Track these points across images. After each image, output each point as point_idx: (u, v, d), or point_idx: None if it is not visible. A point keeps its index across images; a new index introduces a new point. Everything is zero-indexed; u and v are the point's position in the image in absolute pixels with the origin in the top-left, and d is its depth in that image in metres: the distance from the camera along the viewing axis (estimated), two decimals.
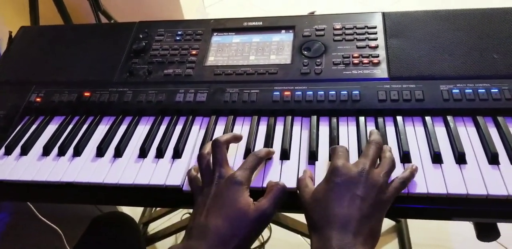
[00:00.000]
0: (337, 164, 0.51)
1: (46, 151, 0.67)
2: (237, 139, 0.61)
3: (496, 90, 0.63)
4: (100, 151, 0.66)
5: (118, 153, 0.65)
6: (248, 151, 0.62)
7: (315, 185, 0.53)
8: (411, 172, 0.54)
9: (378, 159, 0.55)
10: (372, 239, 0.48)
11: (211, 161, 0.56)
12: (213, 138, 0.57)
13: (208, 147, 0.58)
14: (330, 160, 0.58)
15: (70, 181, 0.62)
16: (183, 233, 1.31)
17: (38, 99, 0.75)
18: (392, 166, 0.53)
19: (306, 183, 0.54)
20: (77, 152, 0.67)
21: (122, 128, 0.70)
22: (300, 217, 1.15)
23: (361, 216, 0.47)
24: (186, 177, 0.60)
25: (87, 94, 0.74)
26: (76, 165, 0.65)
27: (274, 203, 0.52)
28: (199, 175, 0.58)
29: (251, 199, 0.52)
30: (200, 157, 0.57)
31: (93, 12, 1.47)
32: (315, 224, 0.49)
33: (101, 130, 0.71)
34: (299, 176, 0.57)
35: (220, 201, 0.51)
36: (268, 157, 0.60)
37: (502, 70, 0.65)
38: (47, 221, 0.81)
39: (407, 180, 0.53)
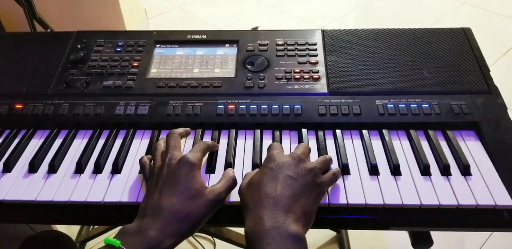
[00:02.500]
0: (272, 152, 0.55)
1: None
2: (188, 132, 0.63)
3: (427, 105, 0.67)
4: (33, 167, 0.62)
5: (53, 168, 0.62)
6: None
7: None
8: (338, 171, 0.57)
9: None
10: (305, 218, 0.49)
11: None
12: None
13: (162, 143, 0.59)
14: None
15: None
16: None
17: None
18: (326, 160, 0.57)
19: (247, 175, 0.56)
20: (7, 168, 0.62)
21: (57, 142, 0.66)
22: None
23: (292, 194, 0.49)
24: (139, 163, 0.60)
25: (19, 106, 0.70)
26: (6, 181, 0.60)
27: (226, 189, 0.54)
28: (150, 162, 0.59)
29: (204, 182, 0.53)
30: (155, 146, 0.59)
31: (27, 20, 1.39)
32: (248, 205, 0.50)
33: (34, 144, 0.67)
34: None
35: (173, 180, 0.51)
36: (214, 148, 0.62)
37: (432, 86, 0.70)
38: None
39: (338, 174, 0.56)
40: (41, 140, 0.67)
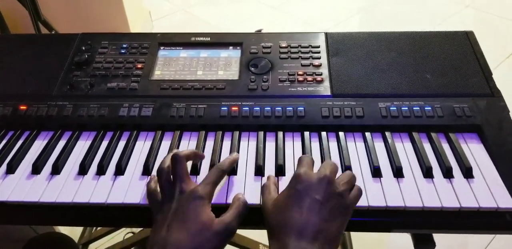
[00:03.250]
0: (299, 171, 0.52)
1: None
2: (197, 156, 0.60)
3: (429, 108, 0.67)
4: (36, 168, 0.62)
5: (56, 170, 0.62)
6: (194, 166, 0.62)
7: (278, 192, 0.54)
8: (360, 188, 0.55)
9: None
10: (330, 244, 0.48)
11: (171, 175, 0.55)
12: (173, 152, 0.56)
13: (167, 161, 0.56)
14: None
15: (2, 200, 0.58)
16: None
17: None
18: (352, 178, 0.53)
19: (269, 190, 0.55)
20: (11, 169, 0.62)
21: (61, 144, 0.67)
22: (249, 234, 1.15)
23: (319, 220, 0.47)
24: (145, 189, 0.58)
25: (23, 107, 0.70)
26: (9, 182, 0.61)
27: (237, 217, 0.52)
28: (158, 188, 0.56)
29: (213, 214, 0.51)
30: (160, 172, 0.55)
31: (32, 22, 1.40)
32: (273, 231, 0.49)
33: (38, 145, 0.67)
34: (264, 182, 0.57)
35: (181, 216, 0.50)
36: (232, 166, 0.59)
37: (434, 89, 0.70)
38: None
39: (361, 191, 0.54)
40: (45, 142, 0.67)
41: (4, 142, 0.68)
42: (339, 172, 0.55)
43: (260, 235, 1.15)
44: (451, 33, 0.78)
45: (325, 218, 0.48)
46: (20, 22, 1.79)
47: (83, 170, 0.62)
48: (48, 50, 0.80)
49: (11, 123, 0.69)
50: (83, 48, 0.80)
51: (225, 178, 0.60)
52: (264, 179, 0.60)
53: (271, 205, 0.52)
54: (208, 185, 0.53)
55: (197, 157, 0.60)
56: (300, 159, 0.55)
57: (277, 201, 0.52)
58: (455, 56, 0.74)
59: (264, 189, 0.56)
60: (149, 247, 0.49)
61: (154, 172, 0.61)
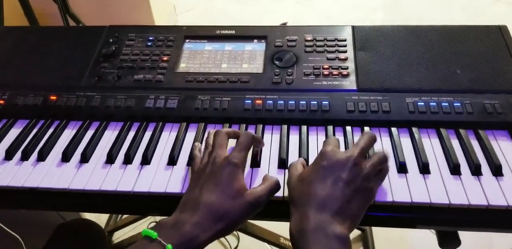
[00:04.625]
0: (326, 149, 0.53)
1: (9, 155, 0.65)
2: (236, 134, 0.60)
3: (459, 104, 0.66)
4: (66, 156, 0.64)
5: (85, 158, 0.63)
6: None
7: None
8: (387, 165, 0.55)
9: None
10: (351, 220, 0.48)
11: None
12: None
13: (211, 136, 0.59)
14: None
15: (33, 186, 0.60)
16: None
17: (1, 102, 0.72)
18: (382, 160, 0.53)
19: (296, 167, 0.56)
20: (42, 157, 0.64)
21: (89, 133, 0.68)
22: (268, 226, 1.15)
23: (342, 198, 0.48)
24: (190, 154, 0.60)
25: (53, 97, 0.72)
26: (40, 170, 0.63)
27: (268, 193, 0.52)
28: (200, 155, 0.58)
29: (245, 183, 0.52)
30: (206, 140, 0.59)
31: (61, 15, 1.43)
32: (296, 202, 0.50)
33: (67, 134, 0.69)
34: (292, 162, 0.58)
35: (215, 179, 0.51)
36: (259, 144, 0.61)
37: (464, 85, 0.69)
38: (6, 228, 0.77)
39: (386, 171, 0.55)
40: (74, 131, 0.69)
41: (35, 130, 0.70)
42: None
43: (280, 228, 1.15)
44: (483, 27, 0.76)
45: (347, 196, 0.49)
46: (49, 15, 1.83)
47: (110, 159, 0.63)
48: (76, 42, 0.81)
49: (42, 112, 0.71)
50: (111, 40, 0.81)
51: (249, 170, 0.60)
52: (286, 172, 0.60)
53: (296, 178, 0.53)
54: (242, 152, 0.54)
55: (236, 135, 0.60)
56: (326, 140, 0.56)
57: (302, 175, 0.53)
58: (487, 51, 0.72)
59: (291, 166, 0.56)
60: (182, 204, 0.51)
61: (179, 163, 0.62)
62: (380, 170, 0.53)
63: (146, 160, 0.63)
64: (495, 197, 0.55)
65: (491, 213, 0.55)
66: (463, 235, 0.60)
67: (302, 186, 0.51)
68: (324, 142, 0.56)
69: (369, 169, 0.51)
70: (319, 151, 0.54)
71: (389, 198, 0.55)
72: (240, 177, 0.52)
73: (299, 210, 0.49)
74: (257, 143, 0.59)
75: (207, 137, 0.59)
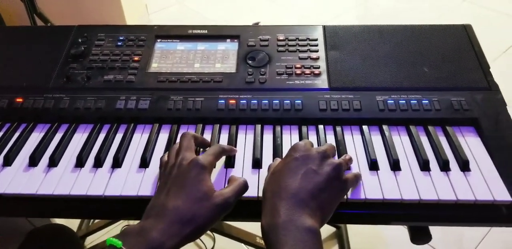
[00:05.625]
0: (299, 142, 0.54)
1: None
2: (205, 143, 0.61)
3: (427, 101, 0.68)
4: (33, 161, 0.62)
5: (53, 162, 0.62)
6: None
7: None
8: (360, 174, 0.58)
9: None
10: (322, 213, 0.49)
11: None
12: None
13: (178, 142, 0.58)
14: None
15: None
16: None
17: None
18: (347, 161, 0.57)
19: (270, 166, 0.56)
20: (8, 162, 0.62)
21: (58, 136, 0.66)
22: (243, 226, 1.15)
23: (312, 189, 0.49)
24: (160, 162, 0.59)
25: (19, 100, 0.70)
26: (6, 175, 0.61)
27: (236, 194, 0.51)
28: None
29: (213, 185, 0.51)
30: (172, 146, 0.58)
31: (28, 14, 1.39)
32: (267, 194, 0.50)
33: (35, 138, 0.67)
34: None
35: (181, 182, 0.50)
36: (230, 154, 0.61)
37: (432, 82, 0.70)
38: None
39: (360, 177, 0.57)
40: (42, 134, 0.67)
41: (0, 134, 0.67)
42: None
43: (257, 228, 1.15)
44: (449, 27, 0.78)
45: (319, 187, 0.49)
46: (15, 15, 1.77)
47: (80, 162, 0.62)
48: (44, 43, 0.79)
49: (8, 115, 0.69)
50: (80, 40, 0.79)
51: (223, 171, 0.60)
52: (262, 171, 0.60)
53: (270, 173, 0.54)
54: (210, 156, 0.54)
55: (203, 144, 0.62)
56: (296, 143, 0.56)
57: (275, 168, 0.53)
58: (453, 50, 0.74)
59: (270, 167, 0.57)
60: (148, 210, 0.50)
61: (151, 165, 0.62)
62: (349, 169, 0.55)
63: (117, 163, 0.61)
64: (463, 192, 0.56)
65: (460, 207, 0.56)
66: (435, 229, 0.62)
67: (274, 179, 0.51)
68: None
69: (340, 161, 0.53)
70: (293, 144, 0.55)
71: (362, 196, 0.56)
72: (207, 179, 0.51)
73: (270, 203, 0.49)
74: (228, 152, 0.60)
75: (176, 143, 0.58)
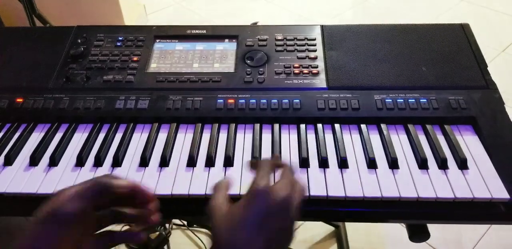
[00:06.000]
0: (259, 188, 0.44)
1: None
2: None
3: (425, 100, 0.68)
4: (34, 160, 0.62)
5: (53, 162, 0.62)
6: (191, 158, 0.62)
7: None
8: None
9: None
10: None
11: None
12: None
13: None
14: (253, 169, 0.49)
15: (0, 191, 0.58)
16: (123, 244, 1.26)
17: None
18: (302, 190, 0.48)
19: (222, 193, 0.47)
20: (8, 161, 0.63)
21: (58, 136, 0.67)
22: None
23: (273, 246, 0.42)
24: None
25: (19, 100, 0.70)
26: (7, 174, 0.61)
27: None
28: None
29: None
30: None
31: (27, 16, 1.39)
32: (219, 247, 0.43)
33: (35, 138, 0.67)
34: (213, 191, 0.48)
35: None
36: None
37: (430, 81, 0.71)
38: None
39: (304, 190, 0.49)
40: (42, 134, 0.67)
41: (1, 134, 0.68)
42: (335, 165, 0.54)
43: None
44: (446, 26, 0.79)
45: (279, 243, 0.43)
46: (14, 16, 1.78)
47: (80, 162, 0.62)
48: (43, 43, 0.79)
49: (8, 116, 0.69)
50: (79, 41, 0.79)
51: (222, 169, 0.61)
52: None
53: (222, 219, 0.44)
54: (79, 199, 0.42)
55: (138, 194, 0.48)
56: (259, 166, 0.47)
57: (231, 215, 0.44)
58: (450, 49, 0.75)
59: (216, 189, 0.48)
60: None
61: (151, 164, 0.62)
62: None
63: (117, 162, 0.62)
64: (461, 190, 0.57)
65: (458, 205, 0.57)
66: (433, 227, 0.62)
67: (231, 232, 0.43)
68: (257, 169, 0.47)
69: (297, 206, 0.45)
70: (255, 187, 0.44)
71: (360, 194, 0.57)
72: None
73: None
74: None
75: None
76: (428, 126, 0.66)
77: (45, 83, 0.73)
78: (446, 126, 0.66)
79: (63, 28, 0.83)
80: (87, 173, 0.61)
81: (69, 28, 0.82)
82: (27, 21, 1.41)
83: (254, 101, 0.69)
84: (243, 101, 0.69)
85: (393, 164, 0.61)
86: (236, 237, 0.42)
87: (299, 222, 1.30)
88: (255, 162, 0.49)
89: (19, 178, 0.60)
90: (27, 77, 0.74)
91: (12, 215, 0.76)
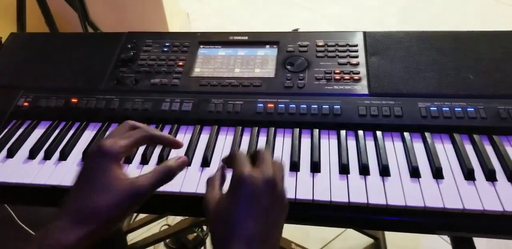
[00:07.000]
0: (242, 172, 0.44)
1: (32, 155, 0.67)
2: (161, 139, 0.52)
3: (472, 109, 0.66)
4: (85, 156, 0.66)
5: None
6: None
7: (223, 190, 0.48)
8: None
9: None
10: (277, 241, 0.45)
11: None
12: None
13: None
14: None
15: (55, 184, 0.62)
16: (161, 244, 1.29)
17: (25, 104, 0.75)
18: (282, 169, 0.49)
19: (213, 186, 0.49)
20: (63, 156, 0.67)
21: None
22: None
23: (266, 228, 0.44)
24: None
25: (74, 100, 0.74)
26: (62, 169, 0.65)
27: (152, 182, 0.45)
28: None
29: (122, 174, 0.45)
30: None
31: (80, 22, 1.47)
32: (218, 240, 0.44)
33: (87, 135, 0.71)
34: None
35: (82, 175, 0.45)
36: (164, 143, 0.55)
37: (477, 90, 0.68)
38: (27, 228, 0.78)
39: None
40: (94, 132, 0.71)
41: (57, 131, 0.72)
42: (377, 173, 0.53)
43: (291, 234, 1.15)
44: (496, 33, 0.76)
45: (271, 224, 0.44)
46: (67, 22, 1.88)
47: (128, 158, 0.65)
48: (96, 48, 0.84)
49: (63, 114, 0.74)
50: (129, 46, 0.83)
51: None
52: (299, 174, 0.61)
53: (214, 210, 0.46)
54: (121, 140, 0.46)
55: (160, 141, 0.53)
56: (235, 158, 0.48)
57: (221, 205, 0.45)
58: (499, 56, 0.72)
59: (208, 183, 0.50)
60: (64, 210, 0.44)
61: (193, 164, 0.64)
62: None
63: (161, 160, 0.64)
64: (510, 203, 0.54)
65: (507, 219, 0.54)
66: (479, 242, 0.60)
67: (223, 221, 0.44)
68: (234, 160, 0.47)
69: (282, 185, 0.46)
70: (236, 173, 0.45)
71: (402, 202, 0.55)
72: (111, 167, 0.44)
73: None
74: (158, 141, 0.52)
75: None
76: (475, 136, 0.64)
77: (97, 85, 0.77)
78: (494, 137, 0.64)
79: (114, 34, 0.87)
80: (134, 169, 0.64)
81: (120, 34, 0.86)
82: (78, 28, 1.49)
83: (293, 106, 0.69)
84: (283, 105, 0.70)
85: (437, 173, 0.59)
86: (228, 224, 0.43)
87: (340, 229, 1.27)
88: (228, 157, 0.51)
89: (72, 172, 0.64)
90: (82, 79, 0.78)
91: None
